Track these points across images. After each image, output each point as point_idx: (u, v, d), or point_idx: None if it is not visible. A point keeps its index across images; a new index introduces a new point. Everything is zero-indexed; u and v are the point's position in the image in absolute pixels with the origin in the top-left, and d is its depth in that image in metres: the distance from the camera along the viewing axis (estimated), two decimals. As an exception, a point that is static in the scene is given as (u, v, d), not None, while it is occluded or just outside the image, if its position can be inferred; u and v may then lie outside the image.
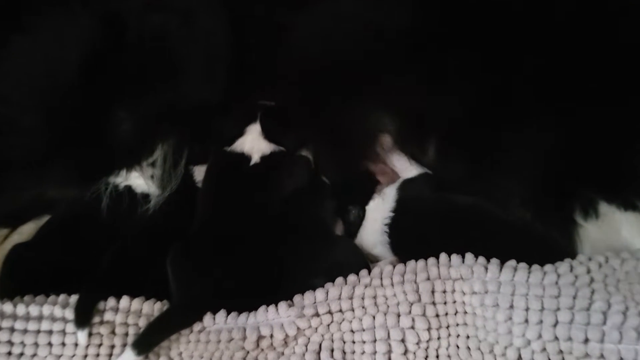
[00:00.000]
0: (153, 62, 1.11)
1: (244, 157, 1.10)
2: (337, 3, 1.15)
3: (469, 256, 0.93)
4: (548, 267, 0.89)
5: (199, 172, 1.14)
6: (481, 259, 0.92)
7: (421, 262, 0.94)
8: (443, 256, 0.94)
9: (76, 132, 1.10)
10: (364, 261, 1.02)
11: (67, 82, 1.09)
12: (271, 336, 0.90)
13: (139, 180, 1.12)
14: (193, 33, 1.12)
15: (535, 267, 0.89)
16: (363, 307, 0.91)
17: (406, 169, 1.10)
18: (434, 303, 0.90)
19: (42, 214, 1.16)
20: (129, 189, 1.12)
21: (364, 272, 0.96)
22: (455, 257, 0.93)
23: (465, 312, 0.89)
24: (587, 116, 1.00)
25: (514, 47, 1.03)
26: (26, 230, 1.14)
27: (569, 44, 1.01)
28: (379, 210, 1.08)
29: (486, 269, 0.90)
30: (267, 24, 1.16)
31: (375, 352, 0.88)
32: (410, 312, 0.89)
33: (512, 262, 0.91)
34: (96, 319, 0.92)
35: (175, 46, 1.12)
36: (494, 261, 0.91)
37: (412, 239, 1.05)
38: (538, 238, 0.98)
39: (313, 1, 1.15)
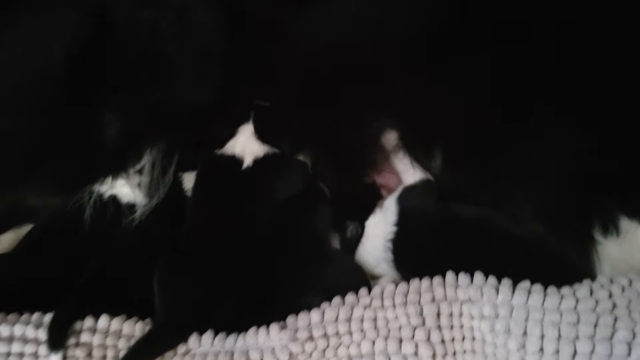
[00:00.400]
0: (143, 61, 1.05)
1: (235, 161, 1.02)
2: (339, 2, 1.09)
3: (478, 276, 0.85)
4: (566, 290, 0.81)
5: (189, 180, 1.07)
6: (491, 280, 0.85)
7: (426, 282, 0.87)
8: (450, 275, 0.87)
9: (59, 136, 1.03)
10: (363, 279, 0.95)
11: (50, 81, 1.03)
12: (261, 361, 0.83)
13: (125, 189, 1.06)
14: (186, 30, 1.06)
15: (552, 290, 0.82)
16: (362, 331, 0.84)
17: (408, 171, 1.03)
18: (439, 327, 0.83)
19: (22, 223, 1.10)
20: (114, 198, 1.05)
21: (363, 291, 0.89)
22: (463, 277, 0.86)
23: (474, 338, 0.82)
24: (609, 123, 0.92)
25: (529, 49, 0.97)
26: (5, 240, 1.07)
27: (588, 45, 0.94)
28: (381, 225, 1.00)
29: (497, 290, 0.83)
30: (265, 21, 1.10)
31: (374, 381, 0.80)
32: (413, 337, 0.82)
33: (525, 284, 0.83)
34: (72, 341, 0.85)
35: (167, 44, 1.06)
36: (506, 282, 0.84)
37: (417, 255, 0.97)
38: (553, 255, 0.91)
39: (313, 1, 1.09)
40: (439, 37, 1.03)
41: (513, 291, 0.82)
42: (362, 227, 1.02)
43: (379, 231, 1.00)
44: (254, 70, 1.09)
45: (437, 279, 0.87)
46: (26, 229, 1.07)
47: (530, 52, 0.96)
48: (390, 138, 1.04)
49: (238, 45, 1.08)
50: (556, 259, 0.90)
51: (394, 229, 0.99)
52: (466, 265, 0.89)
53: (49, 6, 1.06)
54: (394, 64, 1.04)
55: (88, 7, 1.05)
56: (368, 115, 1.06)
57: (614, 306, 0.78)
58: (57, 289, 0.92)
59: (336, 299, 0.88)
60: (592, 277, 0.86)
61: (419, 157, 1.05)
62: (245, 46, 1.08)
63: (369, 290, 0.89)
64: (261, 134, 1.03)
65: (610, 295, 0.80)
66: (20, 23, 1.04)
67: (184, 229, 0.99)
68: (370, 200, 1.05)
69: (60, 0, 1.05)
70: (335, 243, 1.04)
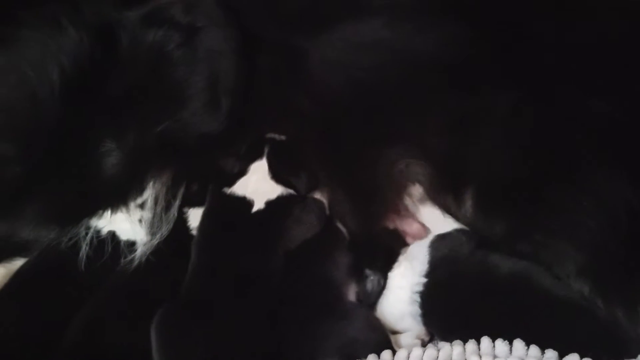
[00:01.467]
0: (148, 85, 0.98)
1: (246, 203, 0.93)
2: (363, 26, 1.01)
3: (519, 345, 0.76)
4: (620, 368, 0.71)
5: (195, 217, 0.98)
6: (534, 350, 0.75)
7: (458, 348, 0.77)
8: (486, 342, 0.77)
9: (55, 164, 0.95)
10: (383, 336, 0.86)
11: (45, 105, 0.95)
12: None
13: (124, 224, 0.98)
14: (195, 53, 0.99)
15: (604, 366, 0.72)
16: (384, 404, 0.74)
17: (438, 223, 0.93)
18: (473, 404, 0.73)
19: (14, 257, 1.01)
20: (112, 234, 0.97)
21: (386, 355, 0.80)
22: (500, 345, 0.76)
23: (513, 419, 0.72)
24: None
25: (577, 87, 0.89)
26: (-5, 275, 0.99)
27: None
28: (407, 275, 0.91)
29: (541, 363, 0.73)
30: (281, 46, 1.03)
31: None
32: (443, 414, 0.72)
33: (574, 358, 0.73)
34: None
35: (174, 67, 0.99)
36: (551, 355, 0.74)
37: (449, 312, 0.88)
38: (600, 321, 0.81)
39: (336, 23, 1.02)
40: (473, 67, 0.95)
41: (560, 366, 0.72)
42: (384, 279, 0.93)
43: (405, 282, 0.91)
44: (269, 99, 1.02)
45: (470, 346, 0.77)
46: (18, 263, 0.99)
47: (579, 91, 0.87)
48: (416, 183, 0.96)
49: (251, 71, 1.01)
50: (604, 326, 0.80)
51: (423, 280, 0.90)
52: (503, 327, 0.80)
53: (48, 23, 0.98)
54: (422, 95, 0.96)
55: (91, 25, 0.98)
56: (392, 152, 0.98)
57: (678, 391, 0.68)
58: (44, 343, 0.84)
59: (354, 364, 0.78)
60: (646, 349, 0.77)
61: (447, 201, 0.96)
62: (260, 72, 1.01)
63: (393, 354, 0.80)
64: (275, 174, 0.94)
65: (673, 377, 0.70)
66: (15, 41, 0.97)
67: (187, 275, 0.90)
68: (393, 248, 0.96)
69: (62, 18, 0.97)
70: (353, 291, 0.94)
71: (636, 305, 0.81)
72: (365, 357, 0.80)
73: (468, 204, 0.95)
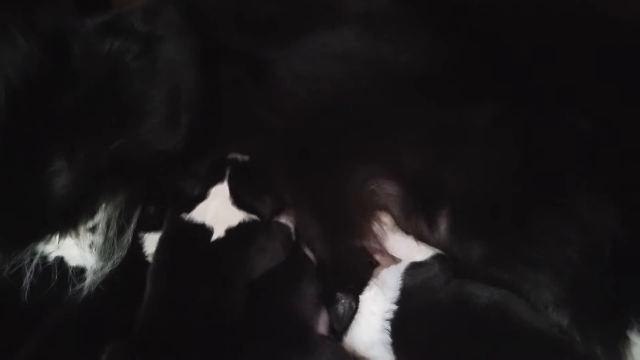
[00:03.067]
0: (102, 100, 0.93)
1: (205, 230, 0.87)
2: (334, 37, 0.97)
3: (493, 384, 0.71)
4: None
5: (151, 242, 0.92)
6: (509, 391, 0.70)
7: (429, 385, 0.72)
8: (458, 378, 0.72)
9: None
10: (353, 375, 0.80)
11: None
12: None
13: (73, 250, 0.92)
14: (154, 65, 0.95)
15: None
16: None
17: (412, 251, 0.88)
18: None
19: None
20: (60, 261, 0.91)
21: (354, 395, 0.74)
22: (474, 385, 0.71)
23: None
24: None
25: (561, 104, 0.84)
26: None
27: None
28: (378, 301, 0.86)
29: (516, 405, 0.68)
30: (247, 57, 0.98)
31: None
32: None
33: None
34: None
35: (130, 80, 0.94)
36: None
37: (420, 342, 0.83)
38: (577, 357, 0.76)
39: (305, 33, 0.98)
40: (450, 81, 0.91)
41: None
42: (356, 301, 0.88)
43: (375, 308, 0.86)
44: (232, 114, 0.97)
45: (443, 385, 0.72)
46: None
47: (562, 109, 0.84)
48: (386, 212, 0.91)
49: (215, 84, 0.96)
50: (581, 362, 0.76)
51: (393, 307, 0.85)
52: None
53: (-4, 32, 0.92)
54: (396, 109, 0.92)
55: (43, 34, 0.92)
56: (363, 171, 0.93)
57: None
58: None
59: (320, 407, 0.73)
60: (627, 389, 0.73)
61: (420, 225, 0.91)
62: (223, 85, 0.97)
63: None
64: (237, 199, 0.89)
65: None
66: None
67: (142, 308, 0.83)
68: (365, 269, 0.91)
69: (10, 25, 0.91)
70: (323, 322, 0.89)
71: (616, 342, 0.77)
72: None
73: (442, 227, 0.90)
